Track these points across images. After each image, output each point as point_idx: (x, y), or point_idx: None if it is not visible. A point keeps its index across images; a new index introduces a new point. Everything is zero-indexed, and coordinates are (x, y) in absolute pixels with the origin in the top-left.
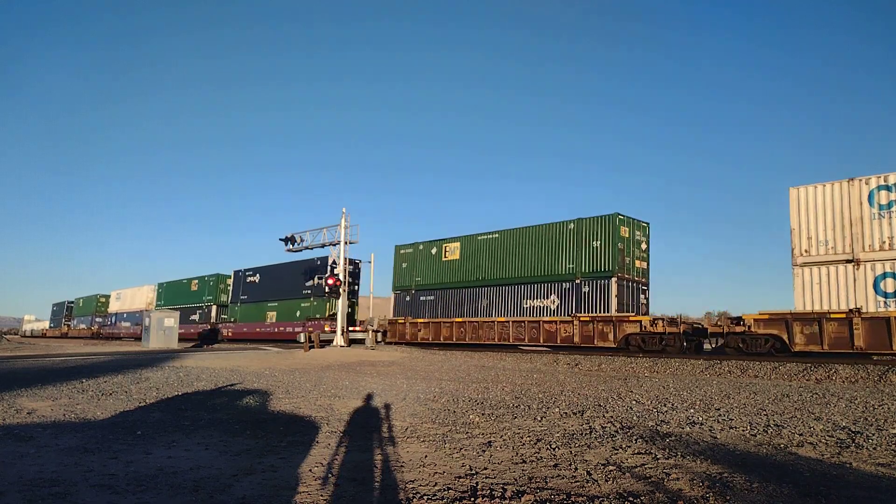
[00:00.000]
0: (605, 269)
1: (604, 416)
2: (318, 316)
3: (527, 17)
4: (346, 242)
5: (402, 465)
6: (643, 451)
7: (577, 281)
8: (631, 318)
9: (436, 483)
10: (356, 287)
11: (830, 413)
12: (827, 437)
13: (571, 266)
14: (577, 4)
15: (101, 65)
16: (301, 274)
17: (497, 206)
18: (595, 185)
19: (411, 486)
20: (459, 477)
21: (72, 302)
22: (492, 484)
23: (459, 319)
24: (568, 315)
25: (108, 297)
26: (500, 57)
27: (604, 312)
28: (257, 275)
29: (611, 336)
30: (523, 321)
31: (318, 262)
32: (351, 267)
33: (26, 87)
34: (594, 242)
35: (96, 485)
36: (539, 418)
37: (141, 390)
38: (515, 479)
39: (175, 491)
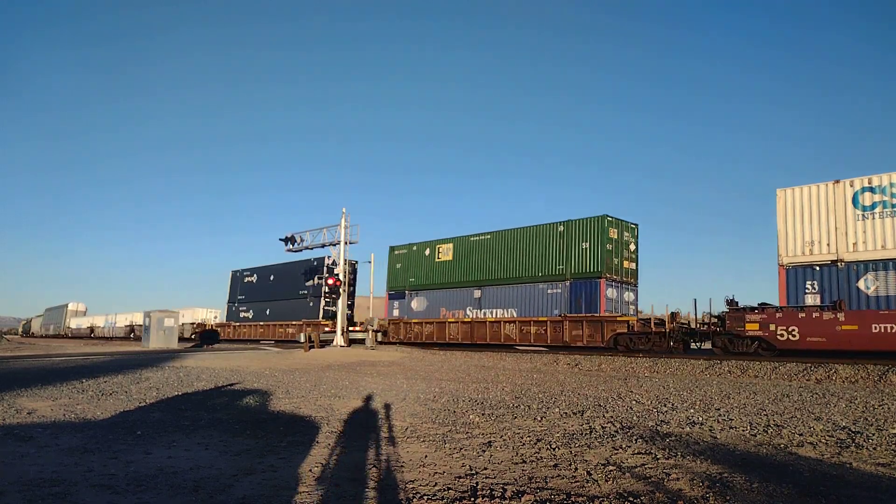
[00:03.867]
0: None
1: (604, 416)
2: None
3: (529, 16)
4: (346, 242)
5: (402, 465)
6: (643, 451)
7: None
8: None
9: (436, 483)
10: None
11: (830, 413)
12: (827, 437)
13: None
14: (575, 3)
15: (99, 64)
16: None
17: (499, 206)
18: (584, 184)
19: (411, 486)
20: (459, 477)
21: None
22: (492, 484)
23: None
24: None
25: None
26: (500, 56)
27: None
28: None
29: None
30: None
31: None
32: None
33: (26, 87)
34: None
35: (96, 485)
36: (539, 418)
37: (141, 390)
38: (515, 479)
39: (175, 491)
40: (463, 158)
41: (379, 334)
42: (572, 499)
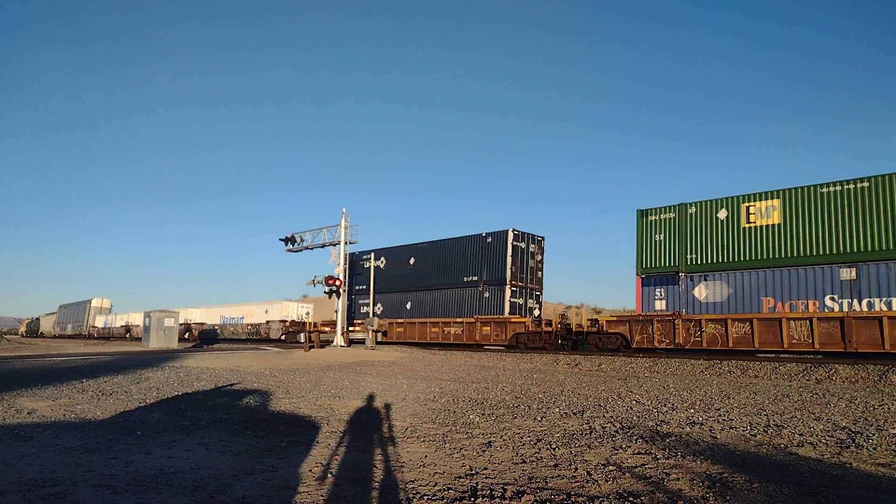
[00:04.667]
0: None
1: (604, 416)
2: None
3: (528, 16)
4: (346, 242)
5: (402, 465)
6: (643, 451)
7: None
8: None
9: (436, 483)
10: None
11: (830, 413)
12: (827, 437)
13: None
14: (580, 3)
15: (99, 63)
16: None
17: (497, 205)
18: (583, 183)
19: (411, 486)
20: (459, 477)
21: None
22: (492, 484)
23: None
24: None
25: None
26: (499, 56)
27: None
28: None
29: None
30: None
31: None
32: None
33: (26, 86)
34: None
35: (96, 485)
36: (539, 418)
37: (141, 390)
38: (515, 479)
39: (175, 491)
40: (463, 158)
41: (379, 334)
42: (572, 499)
